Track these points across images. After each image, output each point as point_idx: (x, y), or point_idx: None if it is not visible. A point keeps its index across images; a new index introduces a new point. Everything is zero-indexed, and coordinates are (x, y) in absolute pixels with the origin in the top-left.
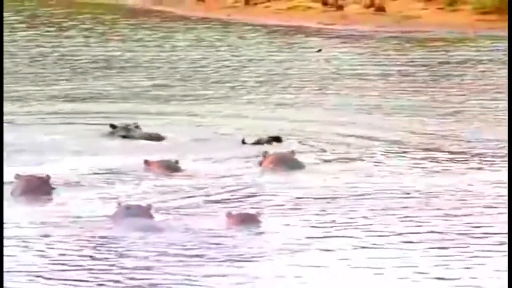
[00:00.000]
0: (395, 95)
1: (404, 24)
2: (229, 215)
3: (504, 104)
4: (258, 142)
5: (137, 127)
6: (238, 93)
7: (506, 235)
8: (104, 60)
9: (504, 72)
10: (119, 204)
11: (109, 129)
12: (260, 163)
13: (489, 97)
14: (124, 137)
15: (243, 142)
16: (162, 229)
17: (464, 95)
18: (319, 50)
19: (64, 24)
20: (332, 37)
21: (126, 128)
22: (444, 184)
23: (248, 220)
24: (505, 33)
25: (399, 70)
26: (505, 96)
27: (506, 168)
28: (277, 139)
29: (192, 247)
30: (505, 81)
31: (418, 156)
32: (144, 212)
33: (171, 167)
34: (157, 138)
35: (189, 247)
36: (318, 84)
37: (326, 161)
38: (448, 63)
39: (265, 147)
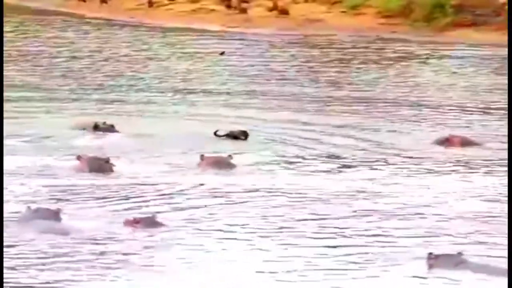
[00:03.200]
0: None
1: (307, 27)
2: (129, 219)
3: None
4: (229, 135)
5: (112, 126)
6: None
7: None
8: None
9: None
10: (28, 207)
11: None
12: (198, 165)
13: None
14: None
15: (216, 134)
16: (67, 232)
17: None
18: (222, 53)
19: None
20: (235, 40)
21: (109, 128)
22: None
23: (148, 223)
24: (407, 36)
25: (298, 70)
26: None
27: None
28: (245, 134)
29: (91, 250)
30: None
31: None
32: (53, 215)
33: (102, 167)
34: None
35: (88, 250)
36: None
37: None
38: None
39: (232, 142)
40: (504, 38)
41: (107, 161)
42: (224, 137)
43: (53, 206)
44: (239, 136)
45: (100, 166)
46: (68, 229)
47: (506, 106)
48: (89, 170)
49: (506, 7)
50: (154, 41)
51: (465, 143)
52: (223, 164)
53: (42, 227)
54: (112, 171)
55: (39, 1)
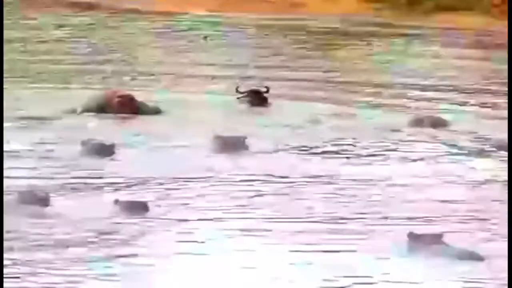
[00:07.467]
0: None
1: (290, 12)
2: (117, 202)
3: None
4: (251, 91)
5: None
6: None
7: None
8: None
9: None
10: (17, 192)
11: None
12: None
13: None
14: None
15: (237, 90)
16: (51, 217)
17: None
18: (205, 38)
19: None
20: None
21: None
22: None
23: (137, 207)
24: (390, 20)
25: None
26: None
27: None
28: (267, 88)
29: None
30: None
31: None
32: (41, 200)
33: (105, 150)
34: (156, 111)
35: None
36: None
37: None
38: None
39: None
40: (489, 21)
41: (111, 146)
42: (245, 93)
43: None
44: (261, 90)
45: (102, 150)
46: (54, 215)
47: (477, 87)
48: (89, 154)
49: None
50: (132, 25)
51: (438, 124)
52: (236, 145)
53: (28, 212)
54: (112, 154)
55: None
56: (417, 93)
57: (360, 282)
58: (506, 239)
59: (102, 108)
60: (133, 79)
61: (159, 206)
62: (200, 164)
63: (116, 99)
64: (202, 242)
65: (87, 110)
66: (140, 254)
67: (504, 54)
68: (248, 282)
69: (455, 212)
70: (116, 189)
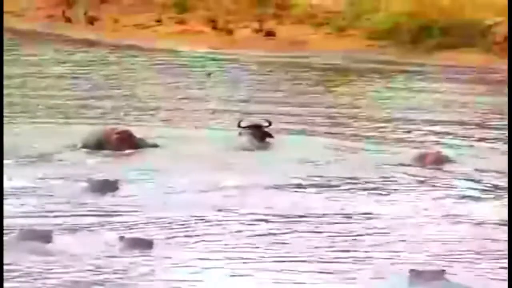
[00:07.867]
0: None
1: (292, 50)
2: (122, 238)
3: None
4: (254, 126)
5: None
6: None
7: None
8: None
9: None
10: (21, 229)
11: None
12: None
13: None
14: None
15: (239, 125)
16: (53, 254)
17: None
18: (209, 74)
19: None
20: (221, 61)
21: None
22: None
23: (140, 244)
24: (393, 57)
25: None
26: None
27: None
28: (269, 122)
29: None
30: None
31: None
32: (43, 236)
33: (107, 186)
34: (155, 147)
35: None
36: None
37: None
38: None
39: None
40: (491, 59)
41: (114, 182)
42: (247, 128)
43: (45, 227)
44: (263, 125)
45: (104, 187)
46: (56, 251)
47: (478, 122)
48: (92, 190)
49: (492, 29)
50: (133, 61)
51: (441, 160)
52: None
53: (30, 248)
54: (115, 191)
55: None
56: (419, 128)
57: None
58: (506, 277)
59: (101, 144)
60: (126, 114)
61: (162, 243)
62: (201, 201)
63: (115, 136)
64: (201, 281)
65: (86, 146)
66: None
67: (505, 90)
68: None
69: (456, 249)
70: (118, 226)
